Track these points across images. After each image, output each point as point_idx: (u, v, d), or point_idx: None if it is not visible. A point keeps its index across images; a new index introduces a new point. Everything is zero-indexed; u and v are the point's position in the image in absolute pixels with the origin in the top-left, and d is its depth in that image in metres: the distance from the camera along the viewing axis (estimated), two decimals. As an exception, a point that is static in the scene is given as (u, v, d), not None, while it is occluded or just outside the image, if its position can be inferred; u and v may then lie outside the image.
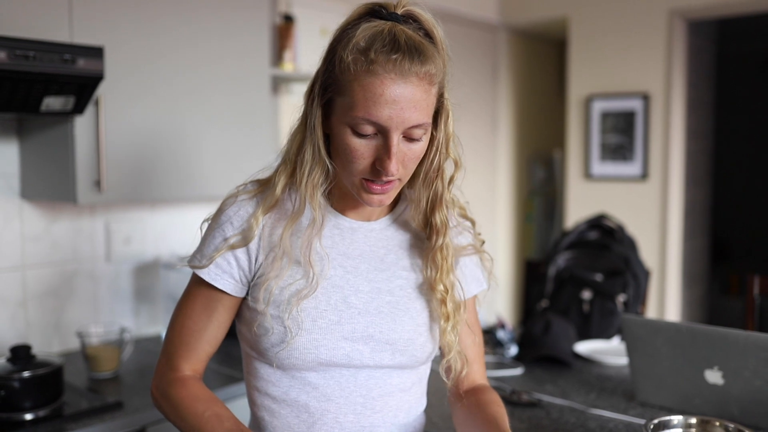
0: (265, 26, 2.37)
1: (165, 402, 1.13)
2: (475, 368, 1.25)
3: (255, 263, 1.11)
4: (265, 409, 1.14)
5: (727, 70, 5.24)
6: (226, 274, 1.11)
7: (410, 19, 1.04)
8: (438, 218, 1.12)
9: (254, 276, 1.12)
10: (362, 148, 1.01)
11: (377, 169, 1.01)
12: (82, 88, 1.78)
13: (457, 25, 3.88)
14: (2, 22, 1.73)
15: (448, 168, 1.12)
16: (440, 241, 1.13)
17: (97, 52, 1.77)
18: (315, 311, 1.08)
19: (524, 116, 4.52)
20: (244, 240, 1.09)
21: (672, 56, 3.65)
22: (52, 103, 1.77)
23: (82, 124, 1.91)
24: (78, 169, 1.91)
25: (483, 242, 1.24)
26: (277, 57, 2.71)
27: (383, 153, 1.00)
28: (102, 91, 1.91)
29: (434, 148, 1.09)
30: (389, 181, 1.04)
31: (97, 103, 1.91)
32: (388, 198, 1.07)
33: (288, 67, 2.70)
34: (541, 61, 4.70)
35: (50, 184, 2.01)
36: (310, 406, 1.10)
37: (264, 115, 2.37)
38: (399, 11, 1.03)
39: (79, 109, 1.83)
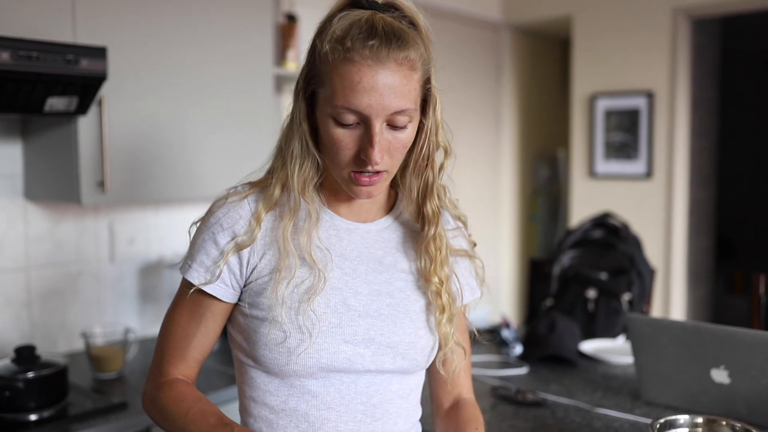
0: (268, 26, 2.37)
1: (152, 407, 1.10)
2: (461, 381, 1.22)
3: (247, 267, 1.07)
4: (262, 420, 1.09)
5: (731, 68, 5.22)
6: (216, 278, 1.07)
7: (391, 7, 1.02)
8: (430, 208, 1.11)
9: (247, 281, 1.08)
10: (346, 139, 1.00)
11: (362, 159, 1.00)
12: (86, 88, 1.78)
13: (461, 24, 3.87)
14: (5, 22, 1.73)
15: (439, 159, 1.11)
16: (432, 231, 1.11)
17: (100, 53, 1.77)
18: (314, 314, 1.05)
19: (528, 115, 4.51)
20: (248, 242, 1.06)
21: (676, 54, 3.64)
22: (56, 103, 1.77)
23: (85, 124, 1.91)
24: (82, 169, 1.91)
25: (475, 244, 1.22)
26: (280, 56, 2.71)
27: (366, 142, 0.99)
28: (105, 91, 1.91)
29: (423, 136, 1.07)
30: (377, 173, 1.02)
31: (100, 104, 1.91)
32: (376, 190, 1.05)
33: (291, 66, 2.69)
34: (545, 60, 4.69)
35: (54, 185, 2.01)
36: (310, 414, 1.07)
37: (267, 115, 2.37)
38: (379, 0, 1.02)
39: (82, 109, 1.83)
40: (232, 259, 1.06)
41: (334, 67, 0.97)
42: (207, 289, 1.07)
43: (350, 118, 0.98)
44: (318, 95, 1.02)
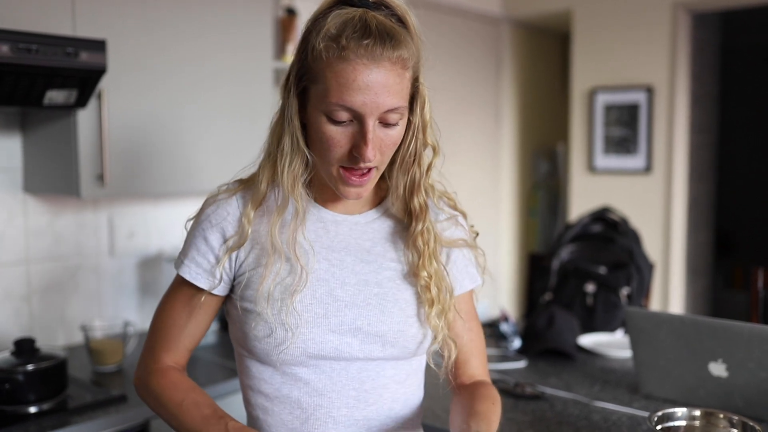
0: (268, 19, 2.37)
1: (146, 392, 1.15)
2: (474, 363, 1.22)
3: (236, 261, 1.11)
4: (259, 408, 1.13)
5: (731, 63, 5.22)
6: (206, 273, 1.11)
7: (382, 5, 1.04)
8: (416, 203, 1.12)
9: (236, 274, 1.12)
10: (338, 136, 1.01)
11: (354, 156, 1.01)
12: (85, 81, 1.78)
13: (460, 18, 3.87)
14: (5, 15, 1.73)
15: (429, 156, 1.12)
16: (420, 226, 1.12)
17: (99, 46, 1.77)
18: (300, 305, 1.07)
19: (528, 110, 4.51)
20: (239, 242, 1.09)
21: (676, 49, 3.64)
22: (55, 96, 1.77)
23: (84, 117, 1.91)
24: (81, 162, 1.91)
25: (477, 234, 1.23)
26: (280, 50, 2.70)
27: (359, 139, 1.00)
28: (104, 84, 1.91)
29: (410, 134, 1.08)
30: (368, 170, 1.04)
31: (99, 97, 1.91)
32: (366, 190, 1.06)
33: (291, 60, 2.69)
34: (545, 54, 4.68)
35: (53, 178, 2.01)
36: (303, 401, 1.10)
37: (267, 109, 2.36)
38: None
39: (81, 102, 1.83)
40: (222, 254, 1.10)
41: (328, 65, 0.99)
42: (196, 282, 1.11)
43: (343, 116, 1.00)
44: (310, 92, 1.03)
